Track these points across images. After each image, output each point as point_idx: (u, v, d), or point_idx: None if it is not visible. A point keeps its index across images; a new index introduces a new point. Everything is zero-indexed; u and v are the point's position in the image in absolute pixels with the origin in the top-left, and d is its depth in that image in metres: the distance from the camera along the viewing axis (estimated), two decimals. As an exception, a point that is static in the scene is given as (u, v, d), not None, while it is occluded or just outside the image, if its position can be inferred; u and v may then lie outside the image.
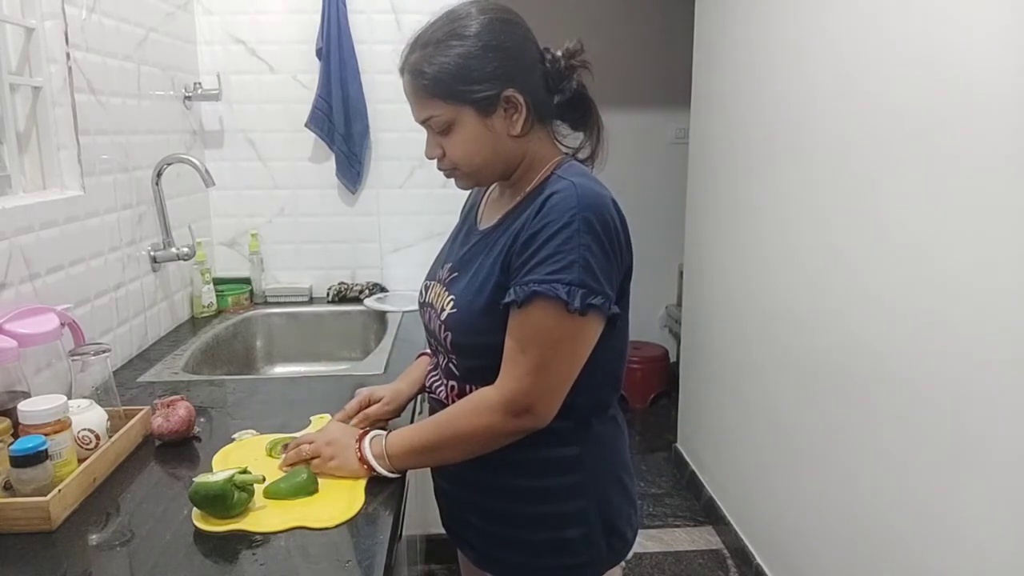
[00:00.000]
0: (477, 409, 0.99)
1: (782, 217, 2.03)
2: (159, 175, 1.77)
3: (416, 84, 1.00)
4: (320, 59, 2.13)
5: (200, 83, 2.08)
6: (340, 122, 2.14)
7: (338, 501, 1.01)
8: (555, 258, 0.93)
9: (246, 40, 2.14)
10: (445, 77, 0.98)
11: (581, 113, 1.08)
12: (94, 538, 0.93)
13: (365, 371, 1.60)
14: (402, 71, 1.03)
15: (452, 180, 1.10)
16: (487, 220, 1.11)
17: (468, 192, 1.23)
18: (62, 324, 1.26)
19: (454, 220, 1.24)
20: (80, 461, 1.04)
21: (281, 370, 2.06)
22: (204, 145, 2.18)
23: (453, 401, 1.06)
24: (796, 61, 1.93)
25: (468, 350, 1.04)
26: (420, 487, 1.97)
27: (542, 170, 1.04)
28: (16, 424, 1.01)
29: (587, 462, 1.06)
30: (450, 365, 1.08)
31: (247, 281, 2.20)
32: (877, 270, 1.56)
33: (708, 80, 2.66)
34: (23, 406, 0.99)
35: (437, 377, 1.14)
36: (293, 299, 2.21)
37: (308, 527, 0.94)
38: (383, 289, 2.27)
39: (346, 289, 2.20)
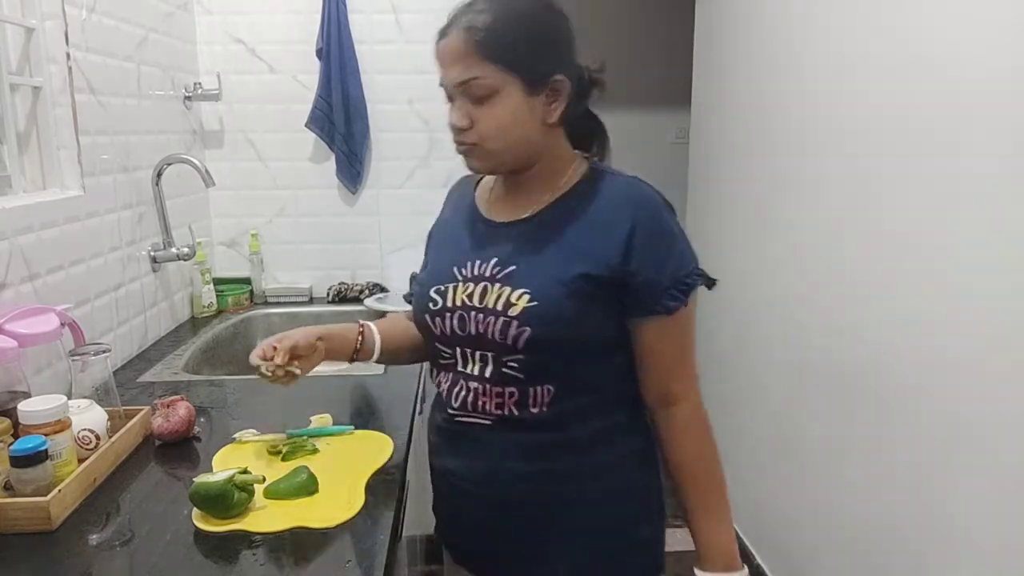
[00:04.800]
0: (698, 435, 0.99)
1: (783, 217, 2.03)
2: (159, 175, 1.77)
3: (468, 40, 0.92)
4: (320, 59, 2.13)
5: (200, 83, 2.08)
6: (340, 122, 2.14)
7: (338, 501, 1.01)
8: (679, 253, 0.97)
9: (246, 40, 2.14)
10: (506, 39, 0.92)
11: (590, 129, 1.07)
12: (94, 538, 0.93)
13: (365, 371, 1.59)
14: (448, 29, 0.96)
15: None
16: (509, 213, 1.03)
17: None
18: (62, 324, 1.26)
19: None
20: (80, 461, 1.04)
21: (281, 370, 2.05)
22: (204, 145, 2.18)
23: (510, 411, 0.98)
24: (796, 61, 1.93)
25: (546, 345, 0.95)
26: (420, 487, 1.97)
27: (570, 167, 1.02)
28: (16, 424, 1.01)
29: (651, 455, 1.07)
30: (504, 370, 0.97)
31: (247, 281, 2.20)
32: (877, 269, 1.56)
33: (708, 80, 2.66)
34: (23, 406, 0.99)
35: (473, 391, 1.00)
36: (293, 299, 2.21)
37: (308, 527, 0.94)
38: (383, 289, 2.26)
39: (346, 289, 2.20)
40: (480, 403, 1.00)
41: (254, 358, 1.02)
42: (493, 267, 0.99)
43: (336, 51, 2.10)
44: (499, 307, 0.96)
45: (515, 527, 1.03)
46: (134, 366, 1.62)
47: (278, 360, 1.01)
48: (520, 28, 0.93)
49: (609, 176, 1.01)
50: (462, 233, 1.08)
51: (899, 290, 1.48)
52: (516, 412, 0.98)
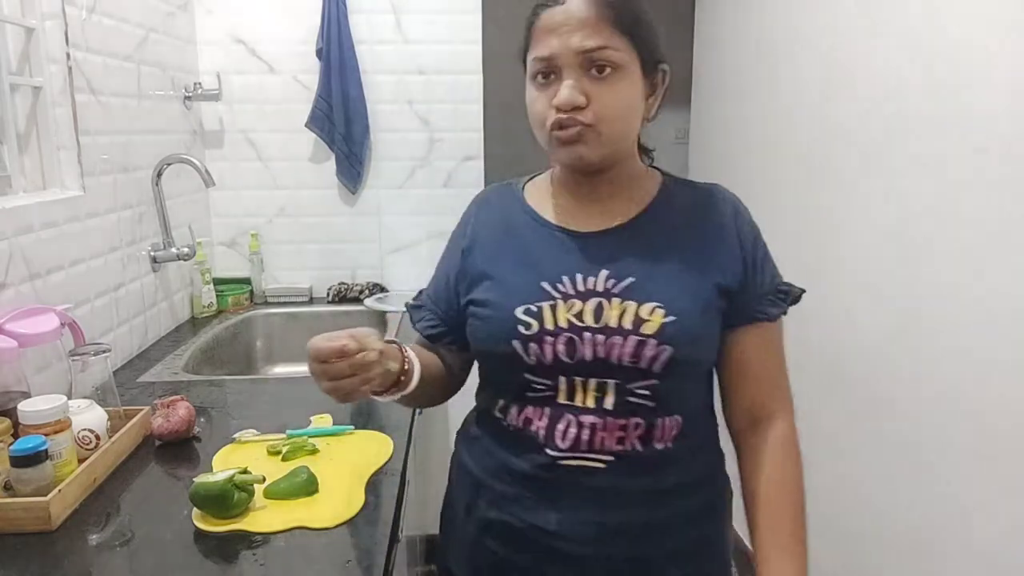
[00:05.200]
0: (792, 456, 0.91)
1: (783, 217, 2.02)
2: (159, 175, 1.77)
3: (599, 4, 0.82)
4: (320, 59, 2.13)
5: (200, 83, 2.08)
6: (340, 122, 2.14)
7: (338, 501, 1.01)
8: (772, 259, 0.94)
9: (246, 40, 2.14)
10: (633, 11, 0.84)
11: None
12: (94, 538, 0.93)
13: (365, 371, 1.59)
14: None
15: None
16: (591, 222, 0.91)
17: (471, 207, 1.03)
18: (62, 324, 1.26)
19: (454, 220, 1.04)
20: (80, 461, 1.04)
21: (281, 370, 2.05)
22: (204, 145, 2.18)
23: (633, 447, 0.86)
24: (796, 60, 1.93)
25: (685, 367, 0.86)
26: (420, 487, 1.97)
27: (645, 174, 0.95)
28: (16, 424, 1.01)
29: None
30: (631, 399, 0.85)
31: (247, 281, 2.20)
32: (877, 269, 1.56)
33: (708, 80, 2.66)
34: (23, 406, 0.99)
35: (589, 427, 0.85)
36: (293, 299, 2.21)
37: (308, 527, 0.94)
38: (383, 289, 2.26)
39: (346, 289, 2.20)
40: (598, 441, 0.85)
41: (329, 345, 0.77)
42: (606, 280, 0.86)
43: (336, 51, 2.10)
44: (626, 325, 0.83)
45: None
46: (134, 366, 1.62)
47: (373, 355, 0.78)
48: (647, 11, 0.86)
49: (690, 183, 0.95)
50: (532, 246, 0.92)
51: (902, 290, 1.48)
52: (640, 448, 0.86)
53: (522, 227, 0.94)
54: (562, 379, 0.86)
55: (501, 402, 0.92)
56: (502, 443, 0.92)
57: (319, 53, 2.13)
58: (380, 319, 2.07)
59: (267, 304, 2.19)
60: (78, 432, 1.07)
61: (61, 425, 1.00)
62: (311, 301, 2.22)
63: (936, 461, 1.39)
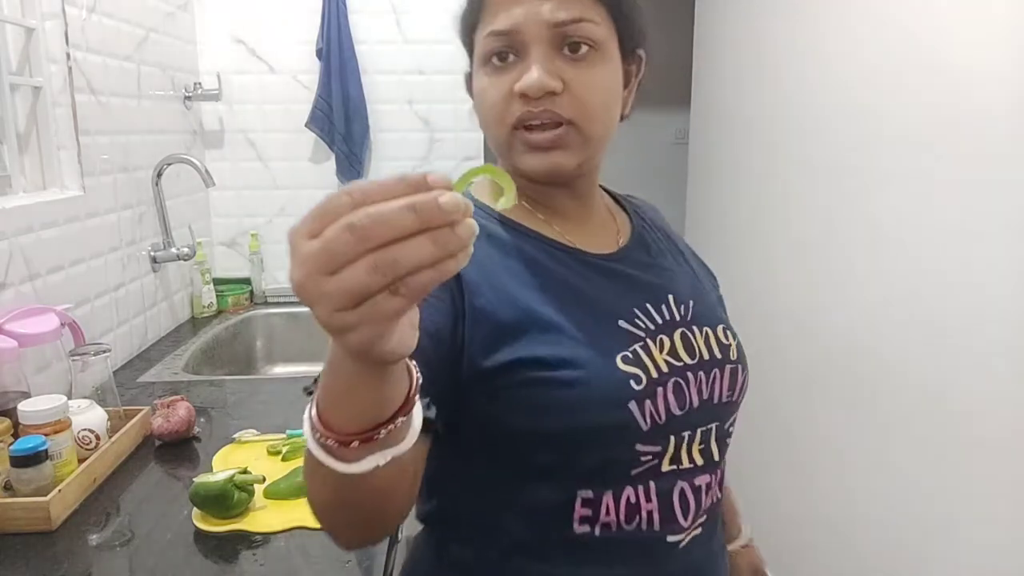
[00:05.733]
0: None
1: (783, 218, 2.03)
2: (159, 175, 1.77)
3: None
4: (320, 59, 2.13)
5: (200, 83, 2.08)
6: (340, 122, 2.14)
7: (338, 501, 1.01)
8: None
9: (246, 40, 2.14)
10: None
11: None
12: (94, 538, 0.93)
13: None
14: None
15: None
16: (592, 241, 0.73)
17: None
18: (62, 324, 1.26)
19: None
20: (80, 461, 1.04)
21: (281, 370, 2.05)
22: (204, 145, 2.18)
23: (716, 498, 0.72)
24: (796, 61, 1.93)
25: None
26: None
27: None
28: (16, 424, 1.01)
29: None
30: (728, 440, 0.73)
31: (247, 281, 2.20)
32: (879, 271, 1.56)
33: (708, 80, 2.66)
34: (23, 406, 0.99)
35: (704, 488, 0.69)
36: (293, 299, 2.20)
37: (308, 527, 0.94)
38: (383, 289, 2.26)
39: (346, 289, 2.20)
40: (707, 503, 0.69)
41: (385, 182, 0.34)
42: (676, 305, 0.71)
43: (336, 51, 2.10)
44: (717, 354, 0.70)
45: None
46: (134, 366, 1.62)
47: (462, 204, 0.34)
48: None
49: (621, 195, 0.87)
50: (562, 273, 0.69)
51: (901, 291, 1.48)
52: (719, 493, 0.72)
53: (526, 248, 0.69)
54: (672, 438, 0.65)
55: (584, 496, 0.64)
56: (587, 560, 0.66)
57: (319, 53, 2.13)
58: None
59: (267, 304, 2.18)
60: (78, 432, 1.07)
61: (61, 425, 1.00)
62: (311, 301, 2.22)
63: (942, 473, 1.39)
